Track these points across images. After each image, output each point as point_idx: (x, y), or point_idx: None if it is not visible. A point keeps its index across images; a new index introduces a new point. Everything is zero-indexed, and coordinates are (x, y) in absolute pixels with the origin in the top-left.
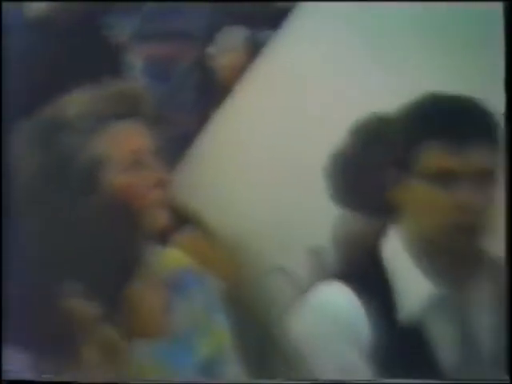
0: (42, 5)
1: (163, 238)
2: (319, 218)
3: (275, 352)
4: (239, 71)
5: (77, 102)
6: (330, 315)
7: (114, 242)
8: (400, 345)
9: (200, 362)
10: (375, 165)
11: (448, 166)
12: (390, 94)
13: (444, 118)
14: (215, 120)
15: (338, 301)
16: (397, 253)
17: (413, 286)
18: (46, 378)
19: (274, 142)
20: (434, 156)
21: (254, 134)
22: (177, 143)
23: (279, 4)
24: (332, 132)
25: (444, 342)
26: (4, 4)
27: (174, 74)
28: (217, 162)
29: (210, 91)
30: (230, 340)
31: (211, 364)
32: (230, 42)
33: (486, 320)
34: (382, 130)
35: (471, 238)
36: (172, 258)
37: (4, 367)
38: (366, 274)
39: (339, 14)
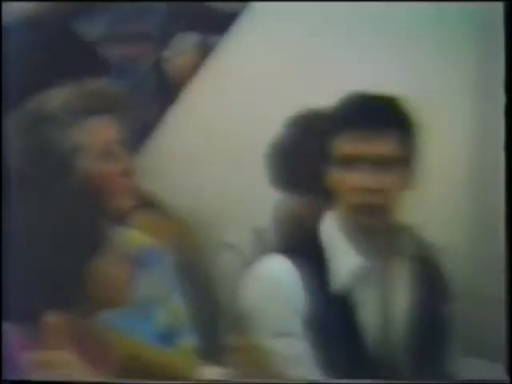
0: (27, 5)
1: (128, 219)
2: (262, 201)
3: (225, 319)
4: (191, 71)
5: (58, 97)
6: (272, 285)
7: (84, 222)
8: (332, 311)
9: (159, 330)
10: (308, 153)
11: (358, 154)
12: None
13: (362, 114)
14: (171, 115)
15: (279, 273)
16: (332, 231)
17: (344, 260)
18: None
19: (223, 132)
20: (348, 145)
21: (205, 126)
22: (139, 135)
23: (228, 10)
24: (273, 124)
25: (368, 308)
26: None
27: (135, 73)
28: (173, 151)
29: (166, 89)
30: (185, 309)
31: (169, 331)
32: (183, 47)
33: (403, 289)
34: (313, 123)
35: (383, 217)
36: (135, 237)
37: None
38: (304, 250)
39: (285, 17)
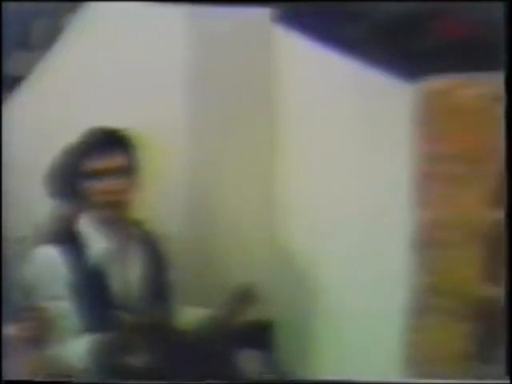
0: None
1: None
2: (43, 206)
3: (15, 289)
4: None
5: None
6: (46, 265)
7: None
8: (90, 280)
9: None
10: (70, 172)
11: (100, 168)
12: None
13: (98, 141)
14: None
15: (50, 256)
16: (87, 224)
17: (96, 244)
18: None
19: (21, 162)
20: (92, 163)
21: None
22: None
23: (18, 75)
24: (53, 152)
25: (115, 276)
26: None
27: None
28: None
29: None
30: None
31: None
32: None
33: (137, 262)
34: (70, 151)
35: (119, 211)
36: None
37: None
38: (68, 239)
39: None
